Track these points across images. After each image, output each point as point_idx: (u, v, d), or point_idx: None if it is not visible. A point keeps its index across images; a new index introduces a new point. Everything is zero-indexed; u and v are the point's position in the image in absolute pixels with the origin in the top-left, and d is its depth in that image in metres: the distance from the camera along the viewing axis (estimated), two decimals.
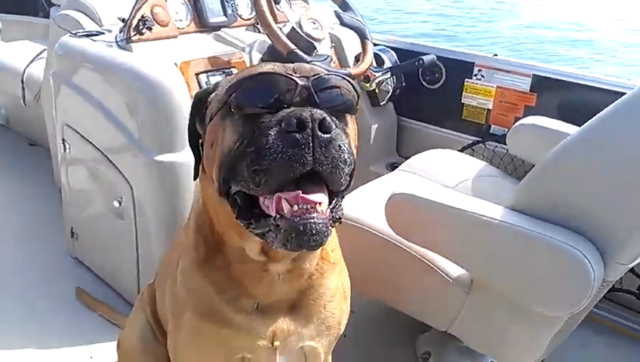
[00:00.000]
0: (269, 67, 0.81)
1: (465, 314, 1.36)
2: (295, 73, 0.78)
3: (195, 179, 0.96)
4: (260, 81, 0.78)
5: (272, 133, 0.72)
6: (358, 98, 0.84)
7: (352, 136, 0.84)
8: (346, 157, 0.75)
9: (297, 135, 0.71)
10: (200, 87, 1.64)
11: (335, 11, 1.89)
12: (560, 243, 1.11)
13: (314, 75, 0.78)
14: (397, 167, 1.98)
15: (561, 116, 1.86)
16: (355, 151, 0.83)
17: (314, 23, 1.81)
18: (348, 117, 0.83)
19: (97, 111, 1.66)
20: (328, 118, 0.72)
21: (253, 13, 2.09)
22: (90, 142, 1.73)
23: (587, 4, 11.73)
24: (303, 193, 0.74)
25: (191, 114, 0.92)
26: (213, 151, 0.81)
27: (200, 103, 0.90)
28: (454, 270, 1.37)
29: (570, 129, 1.71)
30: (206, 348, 0.98)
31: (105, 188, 1.76)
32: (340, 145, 0.74)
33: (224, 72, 1.72)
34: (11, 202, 2.51)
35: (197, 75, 1.65)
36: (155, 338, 1.30)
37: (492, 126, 2.21)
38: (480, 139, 2.22)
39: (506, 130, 2.15)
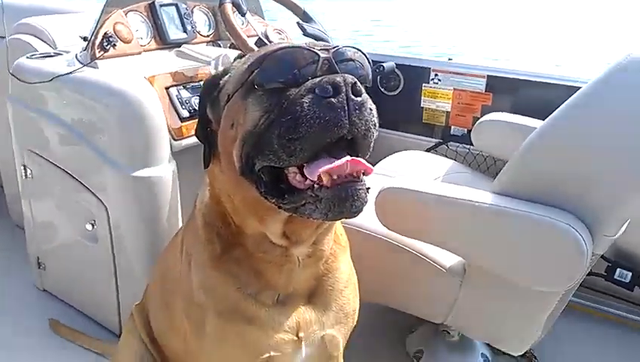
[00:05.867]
0: (287, 43, 0.82)
1: (461, 304, 1.38)
2: (315, 47, 0.79)
3: (205, 168, 0.94)
4: (282, 56, 0.78)
5: (307, 101, 0.72)
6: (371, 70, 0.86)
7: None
8: (376, 120, 0.77)
9: (333, 99, 0.71)
10: (171, 100, 1.60)
11: (297, 22, 1.90)
12: (550, 220, 1.15)
13: (333, 48, 0.79)
14: None
15: (516, 112, 1.96)
16: None
17: (279, 34, 1.82)
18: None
19: (63, 132, 1.59)
20: (359, 83, 0.74)
21: (212, 30, 2.09)
22: (57, 165, 1.64)
23: None
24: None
25: (201, 99, 0.92)
26: (234, 130, 0.81)
27: (211, 87, 0.89)
28: (447, 259, 1.39)
29: (530, 121, 1.81)
30: (233, 352, 0.95)
31: (75, 211, 1.67)
32: (370, 109, 0.76)
33: (193, 86, 1.69)
34: None
35: (167, 88, 1.61)
36: (153, 359, 1.24)
37: (452, 127, 2.29)
38: (441, 140, 2.30)
39: (465, 130, 2.24)
